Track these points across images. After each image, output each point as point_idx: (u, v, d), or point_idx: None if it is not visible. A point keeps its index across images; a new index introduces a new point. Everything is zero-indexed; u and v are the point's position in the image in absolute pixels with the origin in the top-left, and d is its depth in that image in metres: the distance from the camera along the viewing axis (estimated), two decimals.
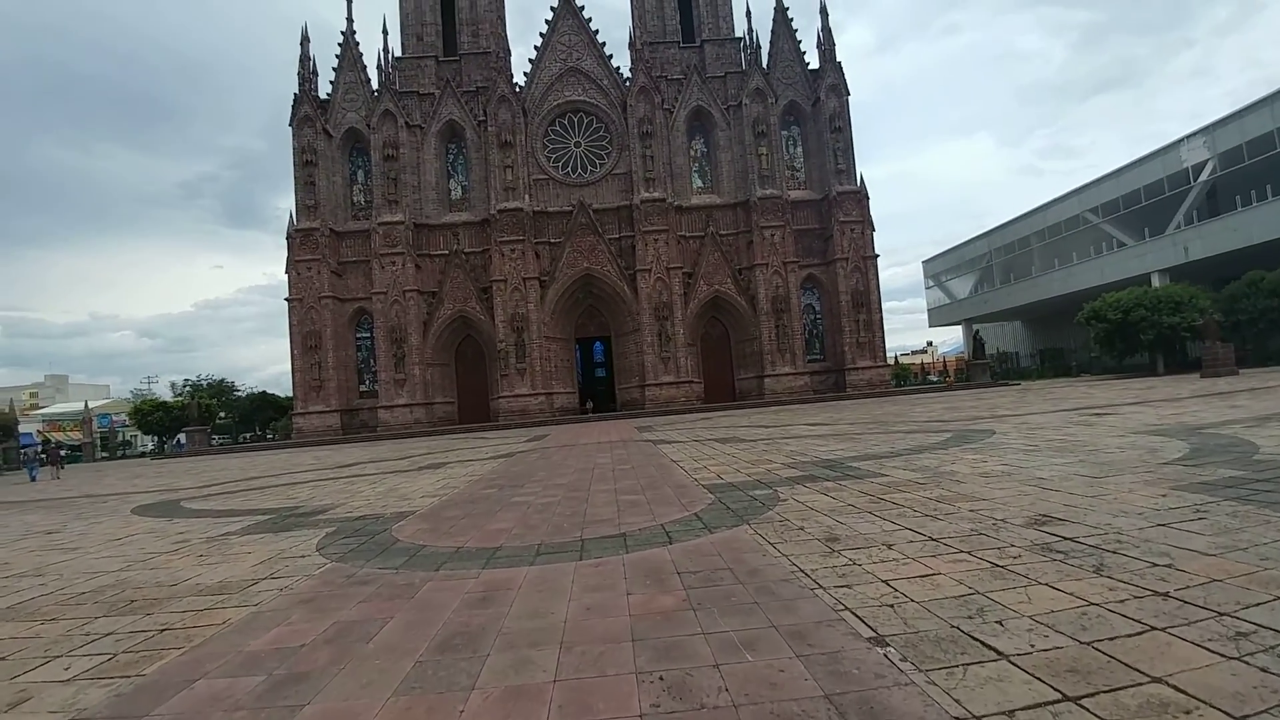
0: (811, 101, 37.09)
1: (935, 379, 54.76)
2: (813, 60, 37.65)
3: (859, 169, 36.37)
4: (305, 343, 34.52)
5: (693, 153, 37.64)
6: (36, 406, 70.75)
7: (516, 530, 4.81)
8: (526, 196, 35.08)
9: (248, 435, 47.42)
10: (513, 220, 34.32)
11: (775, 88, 36.68)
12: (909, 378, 48.26)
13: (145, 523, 7.48)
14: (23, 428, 55.61)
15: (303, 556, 4.51)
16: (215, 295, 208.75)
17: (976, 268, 54.43)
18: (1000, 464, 6.24)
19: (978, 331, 39.57)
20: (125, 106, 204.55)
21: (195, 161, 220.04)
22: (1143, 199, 36.91)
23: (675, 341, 34.02)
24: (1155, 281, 33.95)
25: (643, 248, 34.36)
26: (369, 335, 35.93)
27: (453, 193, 37.42)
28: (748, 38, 37.08)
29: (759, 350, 34.75)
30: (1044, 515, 3.94)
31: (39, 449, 40.68)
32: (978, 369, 37.57)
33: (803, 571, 3.31)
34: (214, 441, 45.79)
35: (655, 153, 35.35)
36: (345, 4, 37.77)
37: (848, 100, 36.55)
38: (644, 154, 35.21)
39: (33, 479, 24.47)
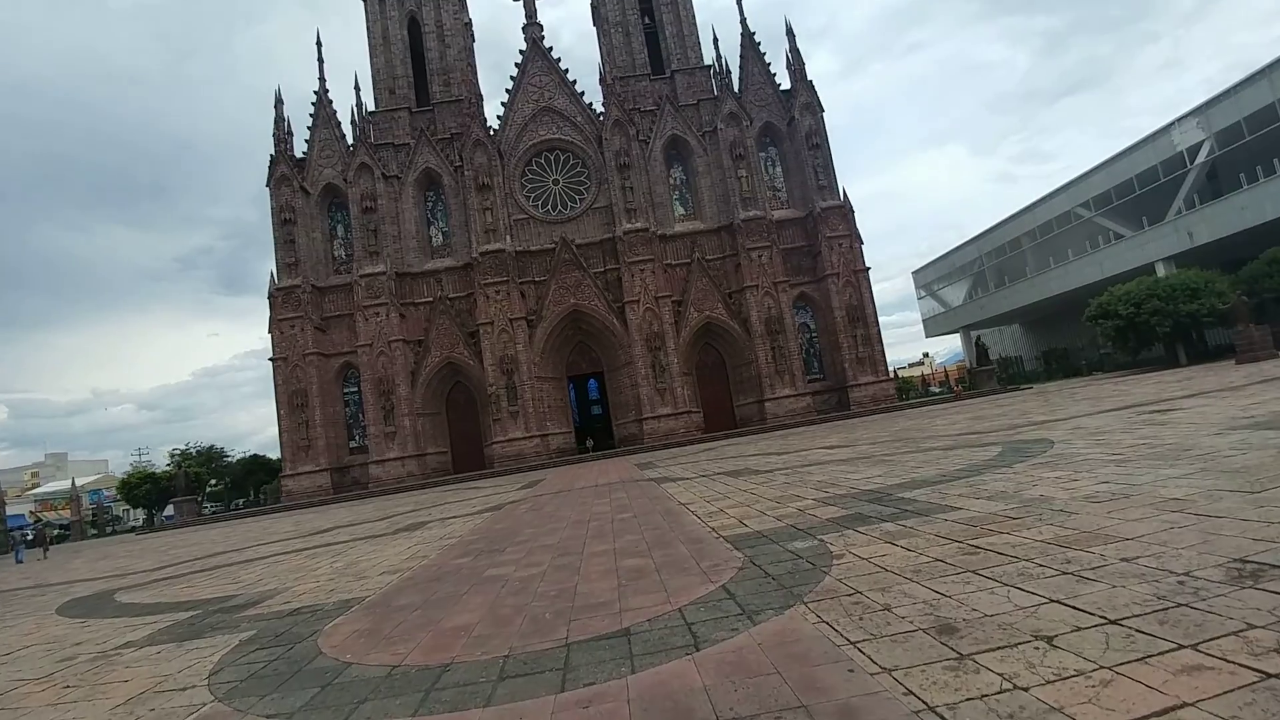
0: (786, 121, 36.78)
1: (939, 390, 53.72)
2: (784, 81, 37.48)
3: (841, 184, 35.86)
4: (291, 402, 33.28)
5: (672, 181, 37.11)
6: (36, 485, 69.32)
7: (481, 629, 3.58)
8: (508, 237, 34.34)
9: (241, 501, 45.95)
10: (495, 262, 33.49)
11: (749, 110, 36.38)
12: (912, 390, 47.16)
13: (58, 626, 6.23)
14: (16, 508, 54.17)
15: (185, 689, 3.29)
16: (212, 362, 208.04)
17: (968, 274, 53.76)
18: (1098, 482, 5.04)
19: (979, 338, 38.57)
20: (122, 189, 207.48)
21: (191, 235, 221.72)
22: (1136, 188, 36.26)
23: (670, 372, 32.90)
24: (1160, 271, 32.95)
25: (629, 279, 33.49)
26: (356, 390, 34.73)
27: (434, 239, 36.69)
28: (717, 64, 36.95)
29: (756, 374, 33.63)
30: (1244, 560, 2.74)
31: (26, 530, 39.38)
32: (983, 376, 36.46)
33: (936, 714, 1.95)
34: (207, 510, 44.33)
35: (634, 184, 34.79)
36: (317, 64, 37.59)
37: (822, 117, 36.25)
38: (623, 186, 34.64)
39: (19, 561, 24.93)
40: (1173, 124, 33.78)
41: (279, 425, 33.48)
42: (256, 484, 44.61)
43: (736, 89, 36.64)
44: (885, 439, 13.75)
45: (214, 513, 42.53)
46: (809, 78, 36.52)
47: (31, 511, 54.45)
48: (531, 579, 4.83)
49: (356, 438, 34.88)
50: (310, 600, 5.42)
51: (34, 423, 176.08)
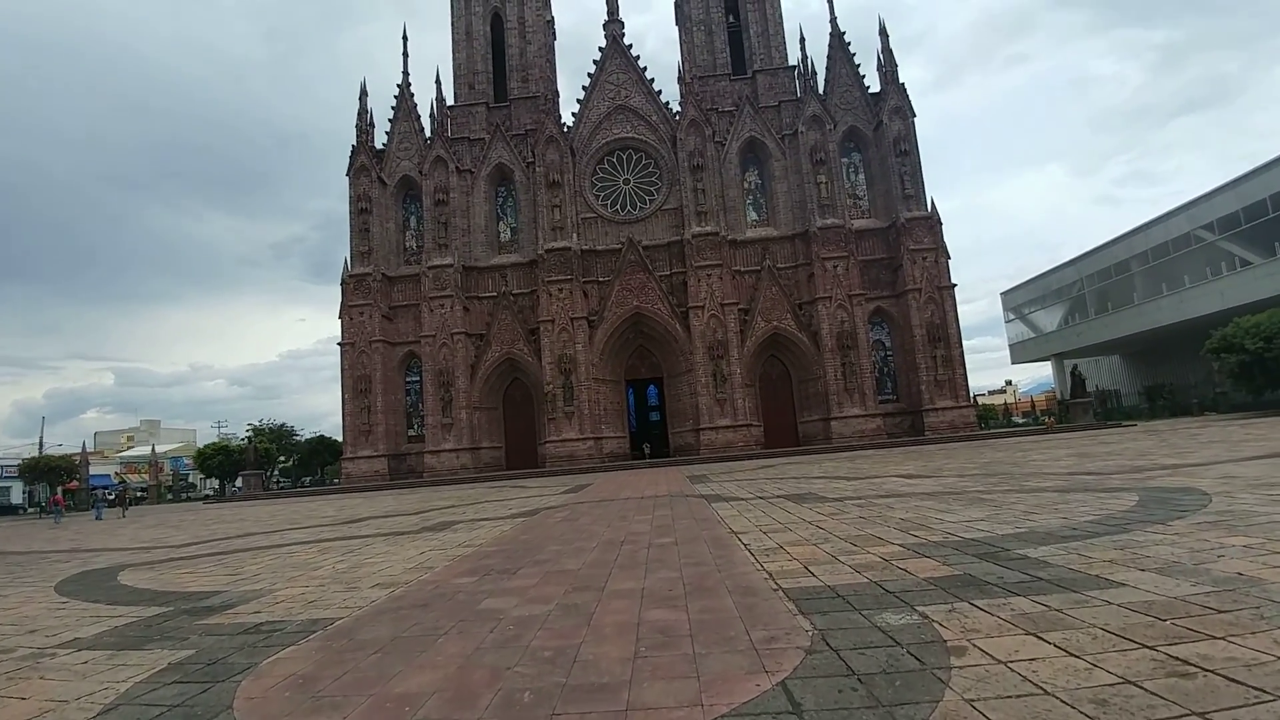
0: (873, 126, 34.87)
1: (1021, 420, 50.12)
2: (872, 85, 35.61)
3: (929, 194, 33.63)
4: (356, 387, 33.91)
5: (746, 185, 35.83)
6: (131, 448, 74.45)
7: (433, 706, 2.63)
8: (574, 235, 33.90)
9: (307, 479, 47.55)
10: (560, 260, 33.08)
11: (833, 114, 34.71)
12: (994, 419, 43.98)
13: (39, 605, 5.79)
14: (105, 468, 58.11)
15: None
16: (298, 346, 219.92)
17: (1065, 298, 49.77)
18: None
19: (1075, 367, 35.26)
20: (231, 179, 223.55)
21: (288, 224, 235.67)
22: (1269, 210, 32.30)
23: (731, 382, 31.54)
24: None
25: (695, 284, 32.37)
26: (418, 379, 35.10)
27: (501, 235, 36.74)
28: (802, 65, 35.40)
29: (824, 390, 31.83)
30: None
31: (109, 490, 42.29)
32: (1079, 409, 33.23)
33: None
34: (276, 484, 46.13)
35: (707, 186, 33.69)
36: (402, 59, 38.40)
37: (913, 122, 34.14)
38: (695, 187, 33.61)
39: (98, 518, 26.80)
40: None
41: (343, 409, 34.16)
42: (322, 463, 46.09)
43: (821, 91, 35.04)
44: (974, 471, 12.11)
45: (281, 487, 44.17)
46: (901, 81, 34.52)
47: (117, 473, 58.17)
48: (530, 622, 3.84)
49: (415, 426, 35.19)
50: (282, 613, 4.63)
51: (137, 390, 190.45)
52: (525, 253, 35.28)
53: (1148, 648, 2.62)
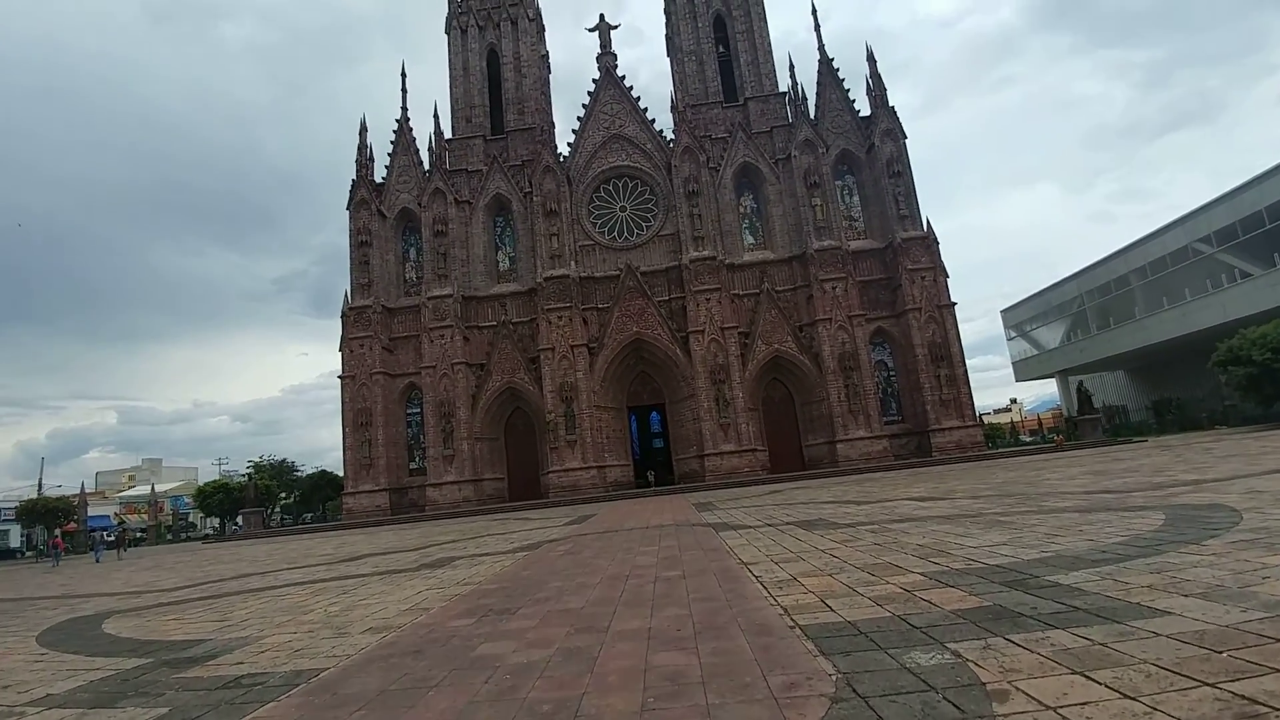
0: (865, 149, 35.22)
1: (1029, 438, 49.67)
2: (862, 109, 36.10)
3: (924, 214, 33.79)
4: (356, 420, 33.71)
5: (742, 209, 36.06)
6: (132, 487, 73.73)
7: None
8: (573, 263, 34.01)
9: (309, 515, 47.00)
10: (559, 287, 33.12)
11: (825, 137, 35.07)
12: (1001, 438, 43.58)
13: (15, 658, 5.56)
14: (105, 509, 57.49)
15: None
16: (300, 380, 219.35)
17: (1067, 313, 49.70)
18: None
19: (1082, 383, 35.07)
20: (233, 216, 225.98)
21: (290, 259, 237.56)
22: (1266, 221, 32.28)
23: (734, 406, 31.30)
24: None
25: (694, 308, 32.34)
26: (419, 411, 34.87)
27: (500, 264, 36.89)
28: (792, 92, 35.92)
29: (828, 413, 31.57)
30: None
31: (108, 532, 41.64)
32: (1087, 425, 32.93)
33: None
34: (275, 521, 45.58)
35: (703, 211, 33.90)
36: (401, 94, 38.99)
37: (904, 144, 34.48)
38: (691, 213, 33.81)
39: (97, 560, 26.52)
40: None
41: (343, 443, 33.92)
42: (323, 499, 45.61)
43: (812, 116, 35.48)
44: (987, 492, 11.84)
45: (281, 524, 43.63)
46: (890, 104, 34.95)
47: (117, 514, 57.59)
48: (529, 670, 3.62)
49: (416, 459, 34.88)
50: (266, 663, 4.42)
51: (140, 429, 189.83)
52: (524, 281, 35.37)
53: (1208, 685, 2.42)
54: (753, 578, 5.74)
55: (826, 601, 4.51)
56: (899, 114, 34.72)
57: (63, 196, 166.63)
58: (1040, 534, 6.39)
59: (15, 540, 50.44)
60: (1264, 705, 2.23)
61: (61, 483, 62.81)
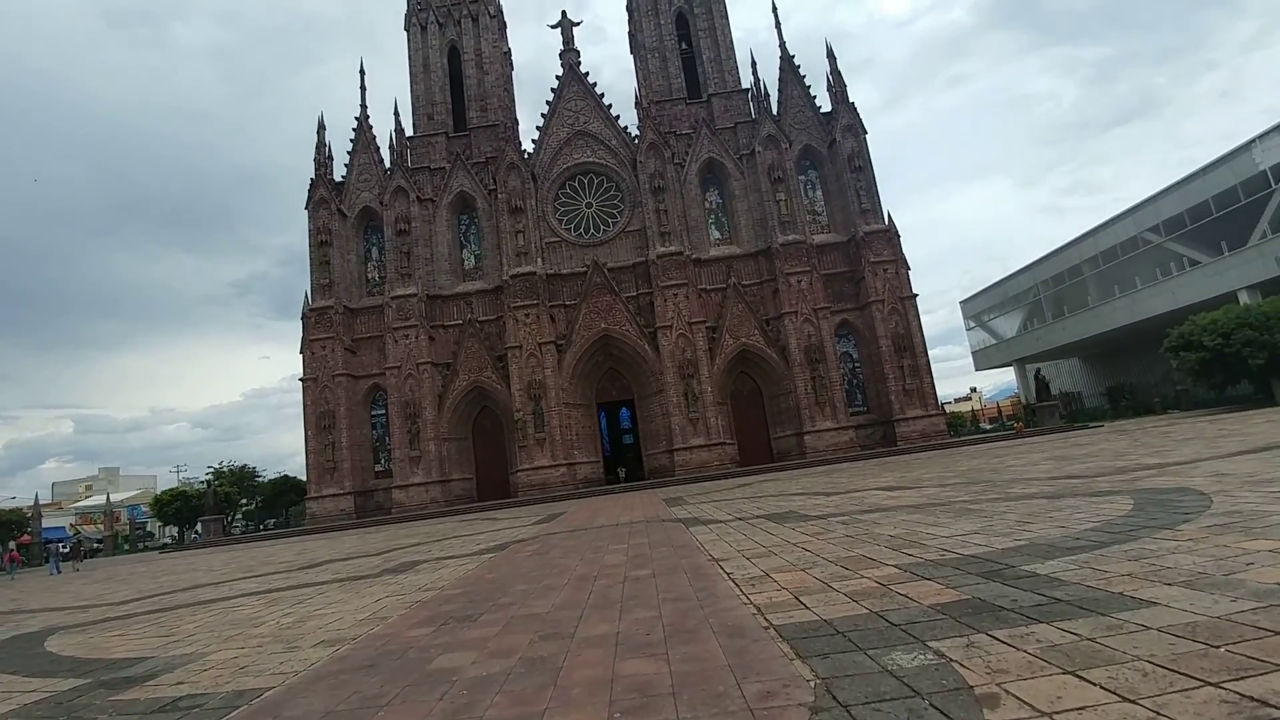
0: (827, 144, 35.61)
1: (990, 426, 50.92)
2: (824, 105, 36.48)
3: (885, 207, 34.31)
4: (319, 423, 32.91)
5: (708, 204, 36.14)
6: (89, 497, 71.03)
7: None
8: (539, 260, 33.67)
9: (271, 521, 45.81)
10: (525, 285, 32.77)
11: (788, 133, 35.36)
12: (963, 427, 44.58)
13: None
14: (60, 520, 55.12)
15: None
16: (262, 384, 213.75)
17: (1023, 303, 51.07)
18: None
19: (1039, 370, 36.05)
20: (190, 219, 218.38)
21: (250, 261, 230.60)
22: (1213, 210, 33.55)
23: (703, 400, 31.40)
24: (1244, 299, 30.23)
25: (661, 304, 32.31)
26: (383, 412, 34.19)
27: (466, 262, 36.34)
28: (755, 88, 36.19)
29: (795, 405, 31.89)
30: None
31: (63, 544, 39.76)
32: (1045, 412, 33.93)
33: None
34: (236, 529, 44.27)
35: (669, 207, 33.87)
36: (360, 92, 38.04)
37: (865, 139, 34.99)
38: (657, 209, 33.75)
39: (54, 572, 26.20)
40: (1253, 141, 31.20)
41: (306, 446, 33.11)
42: (286, 504, 44.44)
43: (775, 112, 35.74)
44: (954, 480, 12.01)
45: (242, 532, 42.47)
46: (851, 100, 35.36)
47: (72, 524, 55.51)
48: (488, 684, 3.48)
49: (382, 461, 34.24)
50: (208, 683, 4.21)
51: (95, 438, 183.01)
52: (490, 279, 34.91)
53: (1211, 684, 2.31)
54: (724, 575, 5.66)
55: (800, 599, 4.43)
56: (859, 110, 35.18)
57: (8, 205, 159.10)
58: (1011, 521, 6.36)
59: None
60: (1276, 708, 2.07)
61: (17, 494, 59.94)
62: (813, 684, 2.84)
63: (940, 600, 3.86)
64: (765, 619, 4.01)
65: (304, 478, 34.79)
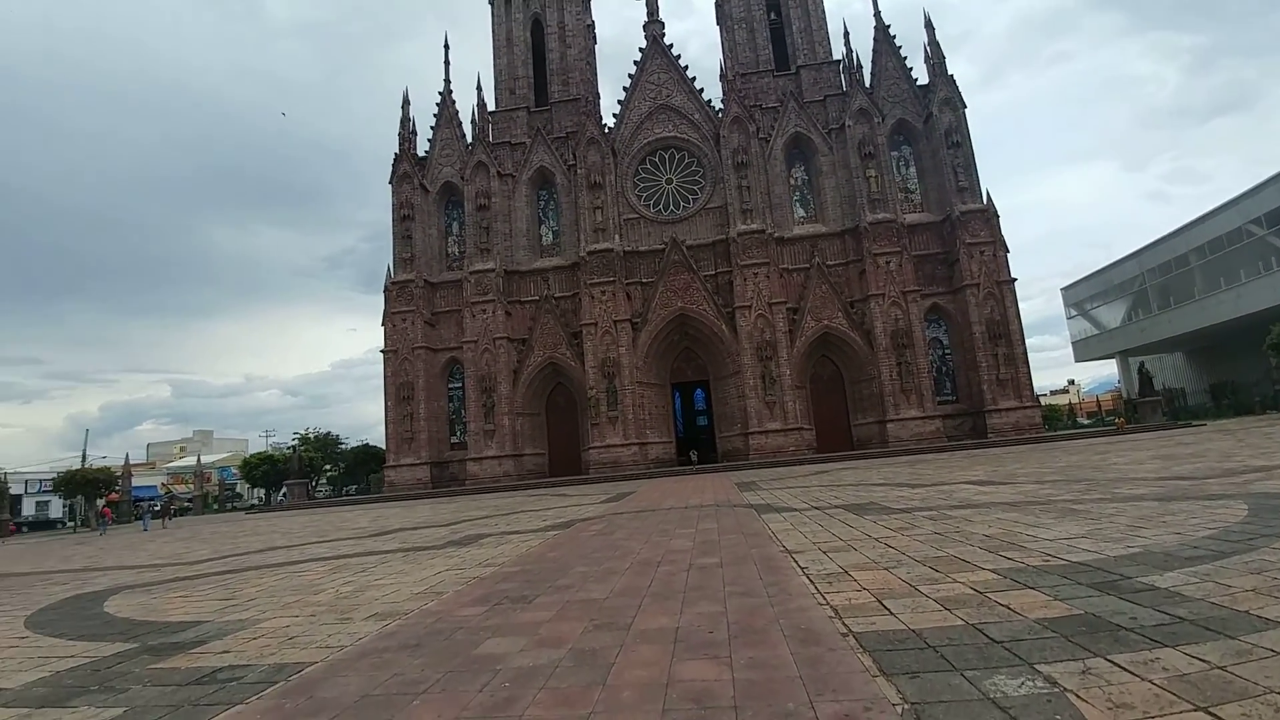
0: (923, 118, 33.36)
1: (1087, 421, 47.26)
2: (920, 77, 34.16)
3: (984, 186, 31.84)
4: (399, 394, 34.02)
5: (793, 181, 34.66)
6: (183, 458, 76.46)
7: None
8: (617, 236, 33.31)
9: (353, 487, 48.04)
10: (602, 261, 32.51)
11: (881, 106, 33.34)
12: (1059, 420, 41.44)
13: None
14: (152, 479, 59.32)
15: None
16: (349, 355, 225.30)
17: (1128, 292, 46.94)
18: None
19: (1143, 364, 33.00)
20: (284, 195, 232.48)
21: (340, 236, 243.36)
22: None
23: (781, 384, 30.32)
24: None
25: (741, 283, 31.31)
26: (460, 385, 34.97)
27: (543, 238, 36.46)
28: (846, 59, 34.28)
29: (879, 391, 30.33)
30: None
31: (154, 502, 42.64)
32: (1148, 408, 30.99)
33: None
34: (320, 493, 46.77)
35: (752, 183, 32.64)
36: (443, 66, 38.63)
37: (964, 114, 32.63)
38: (739, 185, 32.60)
39: (144, 529, 27.32)
40: None
41: (385, 416, 34.31)
42: (367, 472, 46.46)
43: (868, 85, 33.69)
44: (1053, 477, 10.89)
45: (325, 496, 44.75)
46: (949, 72, 32.96)
47: (164, 484, 59.39)
48: (533, 676, 3.08)
49: (458, 433, 35.08)
50: (253, 654, 4.00)
51: (192, 401, 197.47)
52: (567, 255, 34.89)
53: None
54: (798, 569, 5.12)
55: (884, 602, 3.88)
56: (958, 84, 32.68)
57: (116, 181, 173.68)
58: (1121, 525, 5.75)
59: (56, 511, 50.98)
60: None
61: (110, 454, 63.21)
62: (900, 709, 2.42)
63: (1048, 614, 3.36)
64: (843, 624, 3.55)
65: (384, 447, 36.14)
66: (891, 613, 3.64)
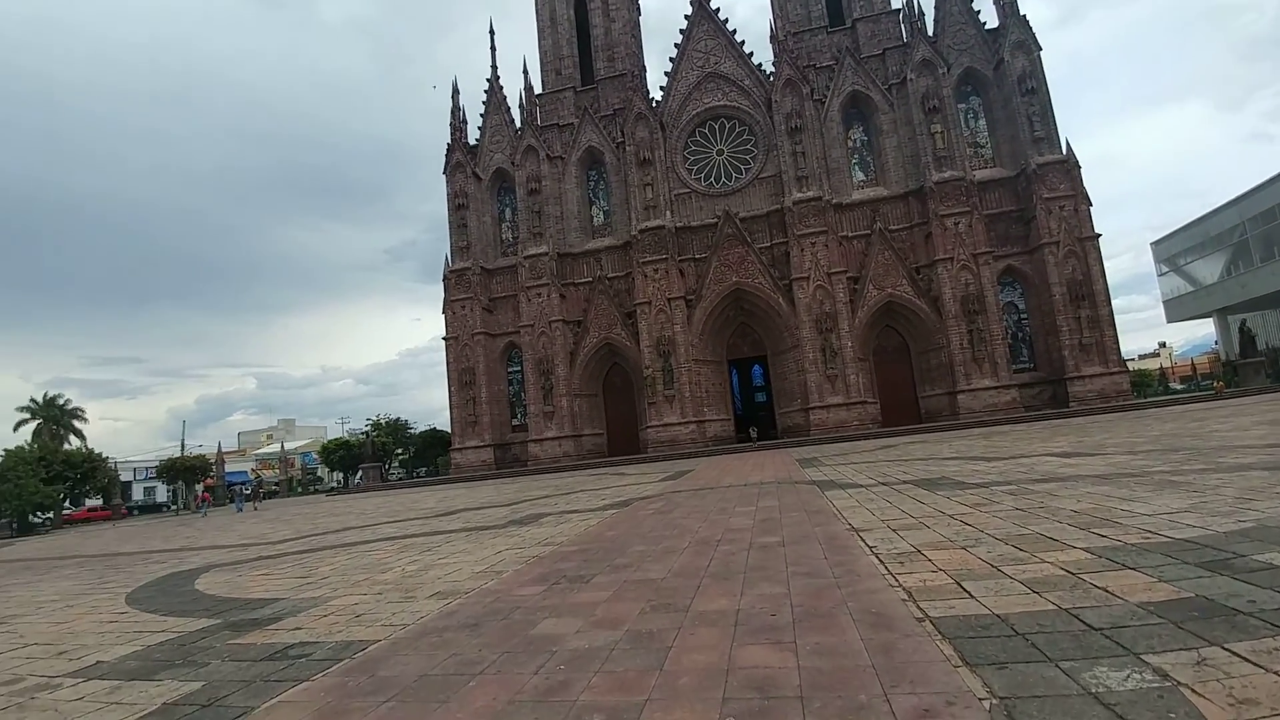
0: (993, 65, 31.20)
1: (1181, 386, 43.99)
2: (989, 20, 31.86)
3: (1063, 135, 29.67)
4: (461, 379, 34.88)
5: (851, 143, 33.21)
6: (270, 444, 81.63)
7: None
8: (668, 213, 32.84)
9: (423, 469, 50.00)
10: (654, 239, 32.15)
11: (946, 56, 31.37)
12: (1149, 386, 38.74)
13: (94, 618, 5.58)
14: (241, 466, 63.87)
15: None
16: (414, 344, 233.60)
17: (1226, 244, 42.91)
18: None
19: (1244, 322, 30.26)
20: (348, 191, 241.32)
21: (401, 229, 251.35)
22: None
23: (842, 356, 29.39)
24: None
25: (798, 253, 30.37)
26: (519, 369, 35.54)
27: (595, 219, 36.37)
28: (907, 7, 32.29)
29: (948, 361, 29.00)
30: None
31: (245, 486, 46.42)
32: (1250, 370, 28.39)
33: None
34: (392, 475, 48.91)
35: (807, 148, 31.43)
36: (490, 52, 38.74)
37: (1039, 57, 30.25)
38: (794, 151, 31.46)
39: (238, 510, 29.39)
40: None
41: (449, 401, 35.29)
42: (435, 455, 48.22)
43: (931, 33, 31.72)
44: (1147, 447, 10.03)
45: (398, 479, 46.67)
46: (1022, 12, 30.63)
47: (253, 469, 63.88)
48: (588, 659, 2.94)
49: (519, 415, 35.73)
50: (322, 631, 4.06)
51: (276, 393, 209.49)
52: (619, 235, 34.70)
53: None
54: (866, 548, 4.80)
55: (963, 584, 3.55)
56: (1031, 24, 30.38)
57: (190, 186, 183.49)
58: (1228, 498, 5.10)
59: (162, 495, 57.23)
60: None
61: (205, 443, 69.86)
62: (988, 705, 2.16)
63: (1152, 597, 3.00)
64: (918, 607, 3.26)
65: (450, 430, 37.27)
66: (972, 596, 3.33)
